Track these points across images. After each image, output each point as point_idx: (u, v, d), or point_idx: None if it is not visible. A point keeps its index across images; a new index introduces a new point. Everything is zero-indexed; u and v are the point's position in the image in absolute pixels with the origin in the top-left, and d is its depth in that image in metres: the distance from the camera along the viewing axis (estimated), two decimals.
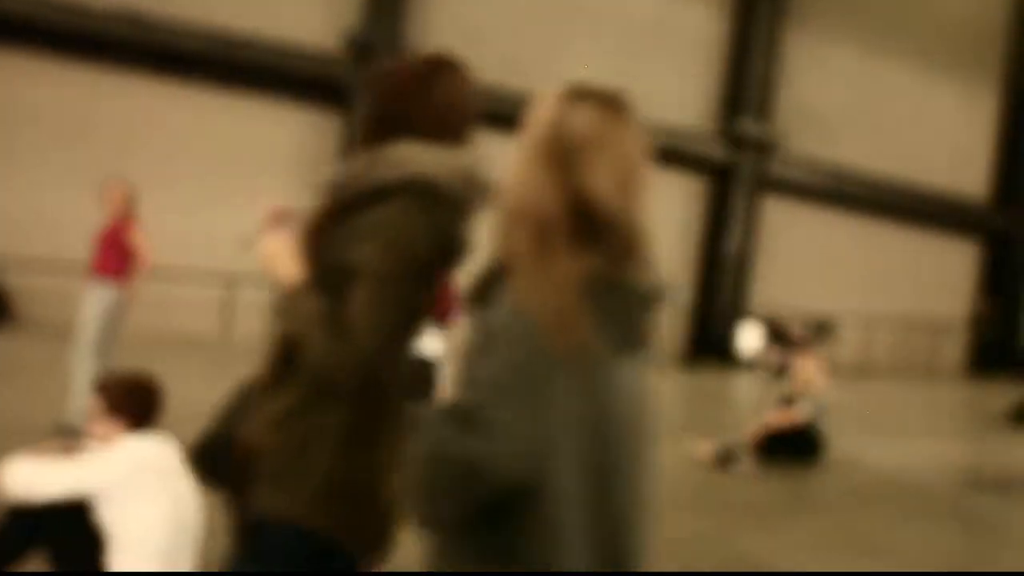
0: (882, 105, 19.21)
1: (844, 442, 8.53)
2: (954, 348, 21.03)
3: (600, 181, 1.47)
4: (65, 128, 12.25)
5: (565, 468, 1.41)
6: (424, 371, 3.46)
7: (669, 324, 17.14)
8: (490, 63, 14.86)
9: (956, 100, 20.47)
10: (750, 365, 15.98)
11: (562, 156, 1.48)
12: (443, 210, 1.74)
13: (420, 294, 1.70)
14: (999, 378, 19.04)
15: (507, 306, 1.43)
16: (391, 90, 1.92)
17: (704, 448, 7.53)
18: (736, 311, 16.93)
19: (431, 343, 3.47)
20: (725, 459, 7.39)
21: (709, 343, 16.81)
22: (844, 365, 16.63)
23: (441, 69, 1.92)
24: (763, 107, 17.26)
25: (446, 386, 7.00)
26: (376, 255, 1.69)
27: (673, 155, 16.73)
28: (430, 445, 1.40)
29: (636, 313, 1.53)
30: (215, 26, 12.64)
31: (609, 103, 1.55)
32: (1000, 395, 14.96)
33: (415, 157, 1.77)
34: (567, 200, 1.46)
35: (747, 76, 17.08)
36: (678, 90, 17.03)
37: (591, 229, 1.46)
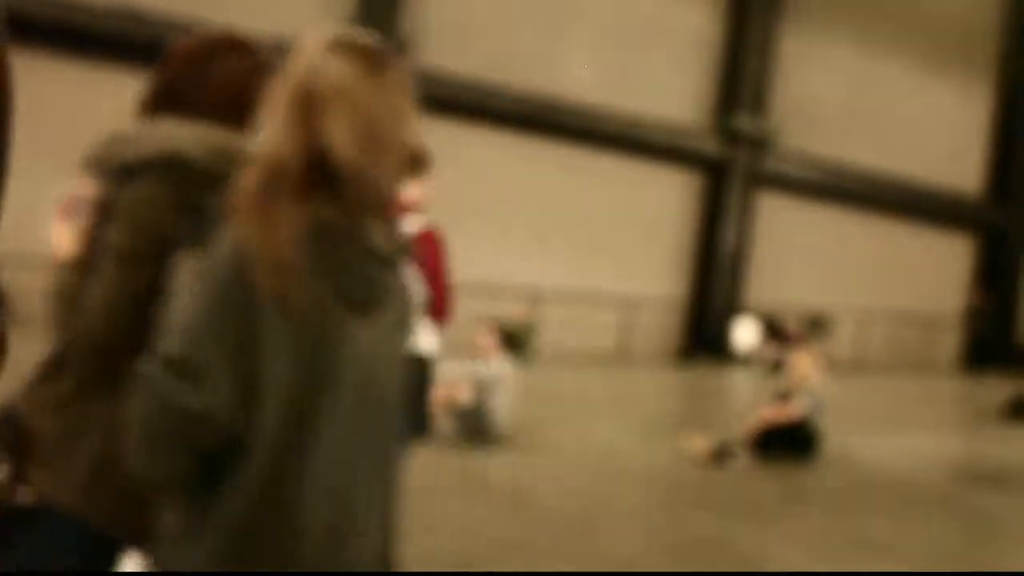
0: (877, 101, 19.23)
1: (840, 437, 8.54)
2: (949, 343, 21.07)
3: (339, 133, 1.44)
4: (62, 124, 12.22)
5: (271, 421, 1.38)
6: (419, 368, 3.44)
7: (665, 320, 17.16)
8: (484, 60, 14.84)
9: (951, 96, 20.50)
10: (746, 361, 16.00)
11: (306, 104, 1.45)
12: (194, 187, 1.70)
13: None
14: (995, 373, 19.09)
15: (223, 247, 1.40)
16: (168, 66, 1.88)
17: (700, 444, 7.53)
18: (732, 307, 16.94)
19: (426, 340, 3.46)
20: (721, 455, 7.40)
21: (705, 339, 16.82)
22: (840, 360, 16.66)
23: (222, 49, 1.88)
24: (758, 103, 17.27)
25: (442, 383, 6.99)
26: (122, 234, 1.68)
27: (668, 151, 16.75)
28: (154, 399, 1.37)
29: (367, 270, 1.49)
30: (211, 24, 12.61)
31: (368, 57, 1.50)
32: (996, 390, 15.00)
33: (169, 133, 1.74)
34: (304, 147, 1.44)
35: (742, 72, 17.09)
36: (673, 86, 17.03)
37: (326, 180, 1.44)
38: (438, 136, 13.54)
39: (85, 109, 12.42)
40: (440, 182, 3.88)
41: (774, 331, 15.87)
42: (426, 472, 5.83)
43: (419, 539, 4.52)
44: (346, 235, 1.45)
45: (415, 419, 3.45)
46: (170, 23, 12.34)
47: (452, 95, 14.31)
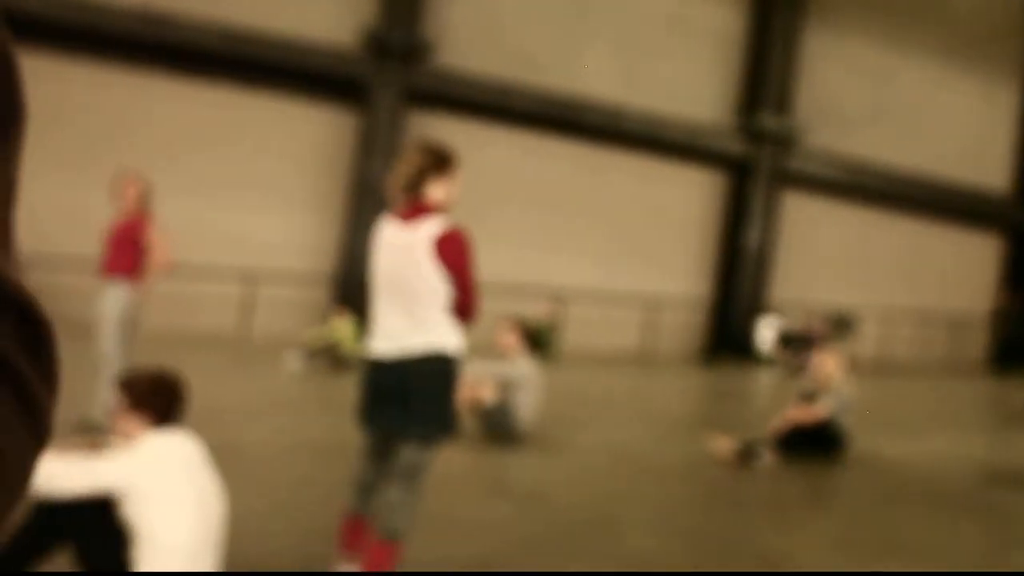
0: (901, 99, 19.07)
1: (865, 438, 8.48)
2: (975, 343, 20.87)
3: None
4: (80, 125, 12.31)
5: None
6: (445, 367, 3.45)
7: (689, 320, 17.10)
8: (507, 60, 14.84)
9: (976, 93, 20.30)
10: (770, 360, 15.91)
11: None
12: None
13: None
14: (1021, 373, 18.88)
15: None
16: None
17: (725, 444, 7.50)
18: (756, 306, 16.87)
19: (453, 339, 3.46)
20: (746, 455, 7.35)
21: (729, 338, 16.75)
22: (864, 360, 16.53)
23: None
24: (782, 101, 17.18)
25: (466, 383, 7.00)
26: None
27: (692, 150, 16.69)
28: None
29: None
30: (233, 23, 12.68)
31: None
32: (1022, 390, 14.84)
33: None
34: None
35: (766, 70, 17.02)
36: (697, 85, 16.97)
37: None
38: (461, 135, 13.60)
39: (105, 111, 12.52)
40: (464, 181, 3.89)
41: (787, 340, 15.77)
42: (450, 471, 5.83)
43: (441, 538, 4.52)
44: None
45: (441, 419, 3.45)
46: (189, 24, 12.41)
47: (474, 95, 14.32)
